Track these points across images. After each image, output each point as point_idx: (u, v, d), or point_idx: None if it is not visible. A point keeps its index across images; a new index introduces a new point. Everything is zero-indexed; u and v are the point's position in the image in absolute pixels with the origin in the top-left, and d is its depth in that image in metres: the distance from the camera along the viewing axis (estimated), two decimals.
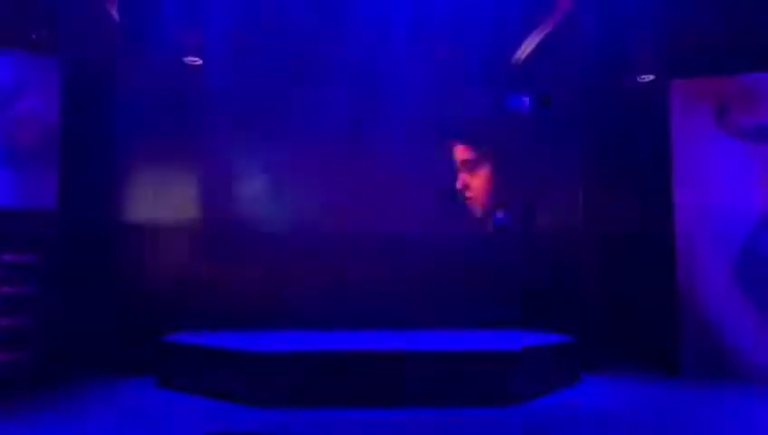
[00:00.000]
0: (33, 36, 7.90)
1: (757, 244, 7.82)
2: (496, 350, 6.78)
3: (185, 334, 7.47)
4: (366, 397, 6.35)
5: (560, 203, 8.63)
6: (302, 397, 6.36)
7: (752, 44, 7.93)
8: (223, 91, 8.45)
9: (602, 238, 8.44)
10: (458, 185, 8.85)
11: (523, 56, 8.76)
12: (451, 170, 8.89)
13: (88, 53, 8.10)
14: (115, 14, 8.13)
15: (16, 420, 5.78)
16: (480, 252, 8.62)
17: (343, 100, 8.46)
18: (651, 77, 8.24)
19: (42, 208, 7.61)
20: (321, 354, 6.60)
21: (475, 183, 8.88)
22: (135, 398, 6.71)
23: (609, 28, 7.96)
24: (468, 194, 8.85)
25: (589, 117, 8.50)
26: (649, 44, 8.09)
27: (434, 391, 6.42)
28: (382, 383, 6.43)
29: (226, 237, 8.46)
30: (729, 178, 7.99)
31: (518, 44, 8.67)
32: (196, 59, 8.44)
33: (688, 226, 8.05)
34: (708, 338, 7.84)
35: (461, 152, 8.91)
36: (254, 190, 8.66)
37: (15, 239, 7.49)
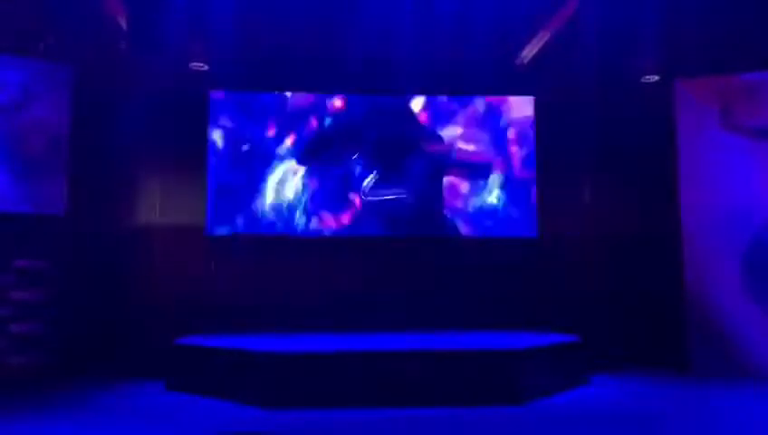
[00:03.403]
0: (42, 45, 7.98)
1: (765, 242, 7.79)
2: (503, 349, 6.79)
3: (193, 338, 7.51)
4: (374, 397, 6.36)
5: (565, 203, 8.66)
6: (311, 397, 6.38)
7: (756, 43, 7.92)
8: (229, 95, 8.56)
9: (608, 238, 8.45)
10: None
11: (527, 58, 8.79)
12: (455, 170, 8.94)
13: (96, 61, 8.18)
14: (122, 22, 8.20)
15: (28, 423, 5.83)
16: (485, 253, 8.64)
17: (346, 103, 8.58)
18: (655, 78, 8.24)
19: (51, 215, 7.69)
20: (331, 355, 6.62)
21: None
22: (145, 400, 6.74)
23: (613, 29, 7.94)
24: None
25: (593, 117, 8.53)
26: (653, 44, 8.06)
27: (441, 391, 6.43)
28: (390, 383, 6.44)
29: (235, 241, 8.52)
30: (735, 177, 7.98)
31: (522, 46, 8.69)
32: (202, 65, 8.49)
33: (694, 224, 8.05)
34: (716, 336, 7.82)
35: (465, 152, 8.96)
36: (260, 193, 8.73)
37: (26, 245, 7.58)
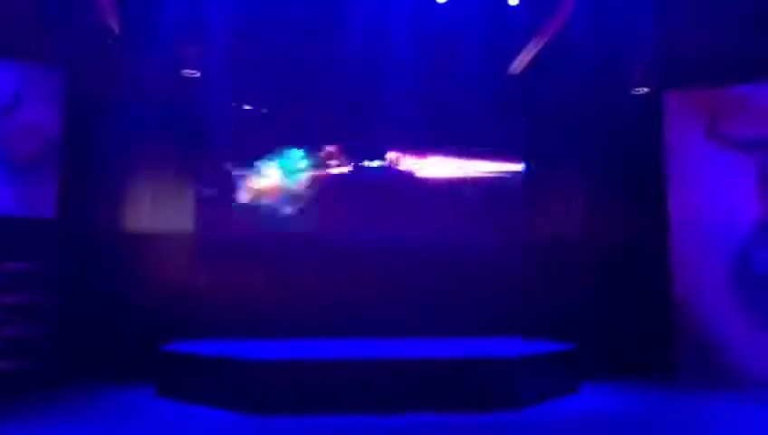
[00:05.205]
0: (34, 48, 7.93)
1: (750, 252, 7.90)
2: (496, 357, 6.82)
3: (184, 343, 7.45)
4: (367, 404, 6.34)
5: (558, 212, 8.72)
6: (301, 404, 6.34)
7: (743, 57, 8.06)
8: (221, 101, 8.57)
9: (600, 247, 8.51)
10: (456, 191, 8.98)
11: (520, 68, 8.88)
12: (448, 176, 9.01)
13: (88, 64, 8.14)
14: (115, 26, 8.18)
15: (18, 428, 5.76)
16: (479, 261, 8.67)
17: (342, 110, 8.60)
18: (645, 90, 8.38)
19: (41, 217, 7.61)
20: (321, 362, 6.60)
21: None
22: (134, 406, 6.67)
23: (604, 41, 8.08)
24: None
25: (585, 128, 8.63)
26: (643, 57, 8.22)
27: (435, 398, 6.43)
28: (383, 390, 6.42)
29: (225, 246, 8.48)
30: (721, 187, 8.11)
31: (514, 57, 8.78)
32: (195, 71, 8.48)
33: (682, 234, 8.14)
34: (705, 345, 7.89)
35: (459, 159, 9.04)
36: (251, 198, 8.71)
37: (16, 248, 7.49)
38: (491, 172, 9.06)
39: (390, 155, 8.95)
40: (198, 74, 8.50)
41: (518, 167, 9.05)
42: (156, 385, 7.16)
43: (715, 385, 7.61)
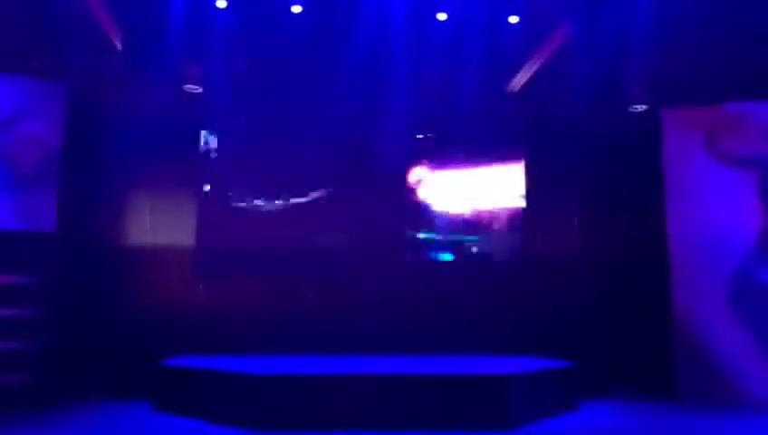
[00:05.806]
0: (37, 63, 7.99)
1: (749, 267, 7.91)
2: (494, 374, 6.78)
3: (182, 358, 7.43)
4: (365, 420, 6.31)
5: (557, 230, 8.73)
6: (299, 420, 6.31)
7: (740, 75, 8.11)
8: (222, 117, 8.64)
9: (599, 264, 8.51)
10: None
11: (518, 86, 8.94)
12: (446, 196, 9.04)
13: (90, 79, 8.21)
14: (117, 42, 8.25)
15: None
16: (477, 278, 8.68)
17: (343, 124, 8.66)
18: (644, 107, 8.43)
19: (41, 231, 7.63)
20: (319, 378, 6.58)
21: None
22: (132, 422, 6.65)
23: (603, 59, 8.14)
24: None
25: (584, 145, 8.67)
26: (641, 74, 8.28)
27: (432, 415, 6.40)
28: (381, 407, 6.40)
29: (224, 262, 8.49)
30: (720, 204, 8.11)
31: (513, 74, 8.84)
32: (196, 87, 8.55)
33: (682, 251, 8.14)
34: (704, 362, 7.86)
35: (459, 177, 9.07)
36: (252, 212, 8.74)
37: (14, 262, 7.49)
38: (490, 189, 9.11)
39: (391, 171, 8.99)
40: (200, 90, 8.56)
41: (517, 183, 9.08)
42: (154, 400, 7.14)
43: (716, 402, 7.57)
